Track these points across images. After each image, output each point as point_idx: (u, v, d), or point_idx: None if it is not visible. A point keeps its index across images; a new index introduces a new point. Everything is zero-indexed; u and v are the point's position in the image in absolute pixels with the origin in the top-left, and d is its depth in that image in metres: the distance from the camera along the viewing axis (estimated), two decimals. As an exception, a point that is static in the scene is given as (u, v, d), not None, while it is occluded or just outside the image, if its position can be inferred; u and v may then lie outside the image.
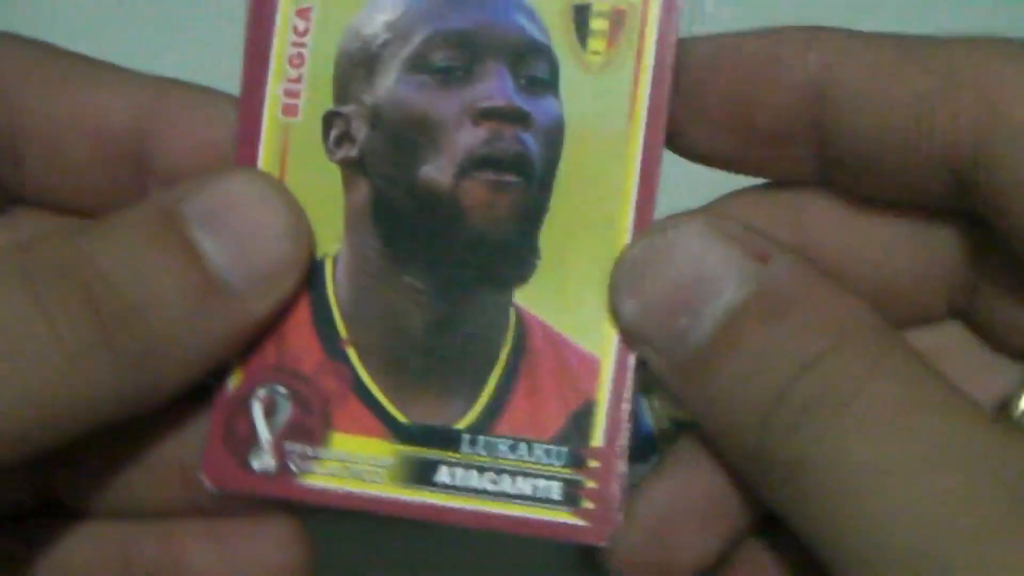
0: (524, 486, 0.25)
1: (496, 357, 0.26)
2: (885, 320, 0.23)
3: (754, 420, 0.23)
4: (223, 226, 0.24)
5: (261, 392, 0.26)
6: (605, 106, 0.25)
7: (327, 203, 0.26)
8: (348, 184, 0.26)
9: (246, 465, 0.26)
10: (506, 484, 0.25)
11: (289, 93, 0.26)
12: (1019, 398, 0.25)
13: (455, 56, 0.25)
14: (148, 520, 0.27)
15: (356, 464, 0.25)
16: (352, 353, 0.26)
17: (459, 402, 0.25)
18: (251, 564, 0.27)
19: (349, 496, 0.25)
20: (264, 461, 0.26)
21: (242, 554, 0.27)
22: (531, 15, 0.25)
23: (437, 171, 0.25)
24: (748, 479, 0.24)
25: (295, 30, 0.26)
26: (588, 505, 0.25)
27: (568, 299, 0.25)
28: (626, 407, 0.25)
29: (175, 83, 0.26)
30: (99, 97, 0.26)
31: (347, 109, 0.26)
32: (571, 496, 0.25)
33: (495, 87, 0.25)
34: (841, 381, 0.22)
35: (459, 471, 0.25)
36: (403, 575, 0.41)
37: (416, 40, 0.26)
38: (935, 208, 0.25)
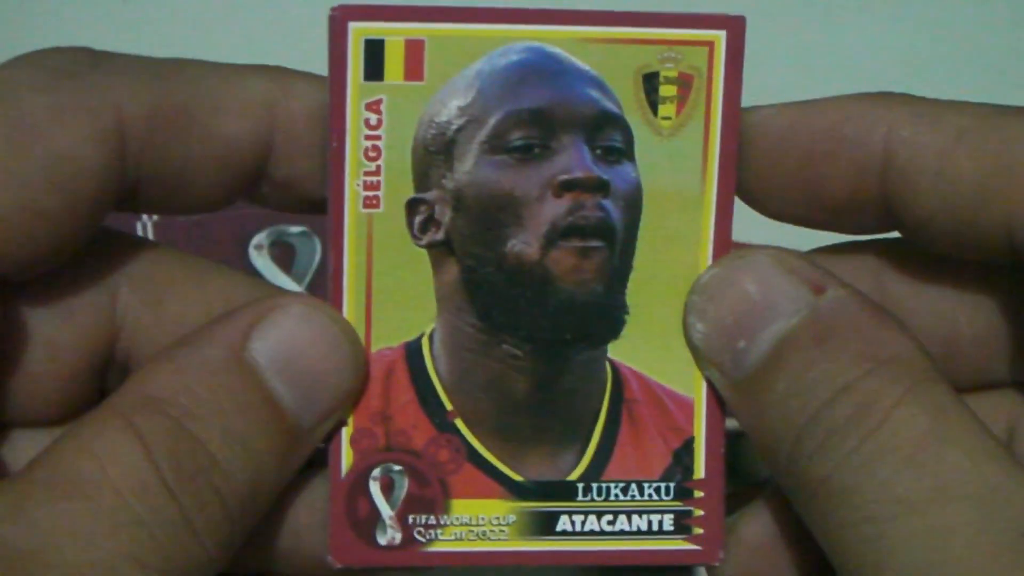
0: (639, 522, 0.27)
1: (598, 410, 0.27)
2: (928, 355, 0.24)
3: (789, 438, 0.24)
4: (294, 372, 0.25)
5: (376, 472, 0.27)
6: (679, 168, 0.27)
7: (417, 285, 0.27)
8: (437, 265, 0.27)
9: (372, 542, 0.27)
10: (623, 523, 0.27)
11: (368, 186, 0.26)
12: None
13: (532, 134, 0.26)
14: None
15: (480, 526, 0.27)
16: (461, 424, 0.27)
17: (569, 455, 0.27)
18: None
19: (476, 554, 0.27)
20: (389, 535, 0.27)
21: None
22: (601, 87, 0.26)
23: (524, 244, 0.26)
24: (786, 495, 0.26)
25: (367, 123, 0.26)
26: (698, 531, 0.27)
27: (658, 349, 0.27)
28: (722, 439, 0.27)
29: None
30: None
31: (429, 195, 0.26)
32: (683, 525, 0.27)
33: (574, 160, 0.26)
34: (871, 407, 0.23)
35: (579, 518, 0.27)
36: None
37: (492, 122, 0.26)
38: (1000, 267, 0.26)
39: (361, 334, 0.26)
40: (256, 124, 0.26)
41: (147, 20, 0.48)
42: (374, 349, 0.27)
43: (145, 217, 0.43)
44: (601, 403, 0.27)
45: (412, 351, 0.27)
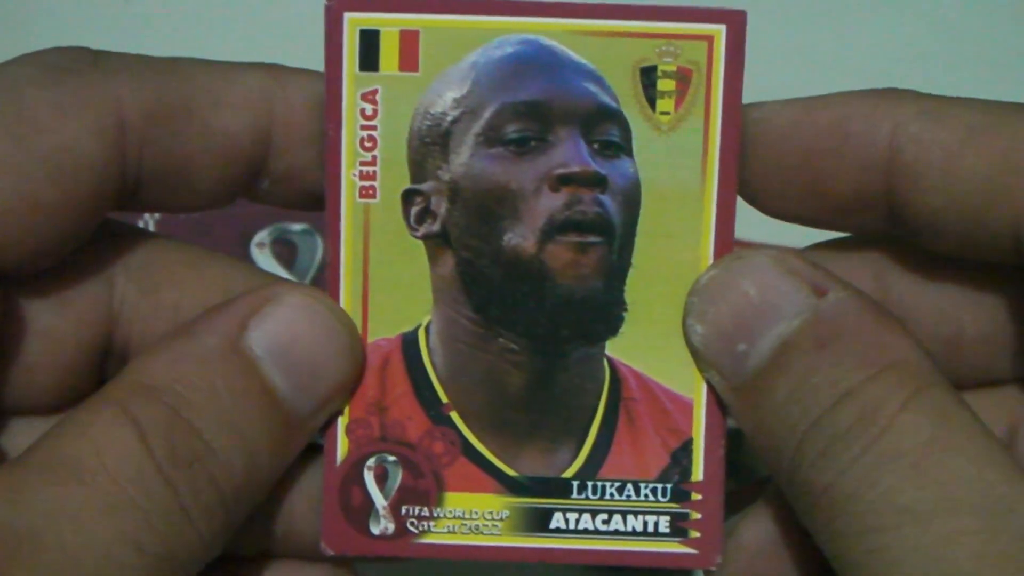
0: (635, 523, 0.27)
1: (595, 407, 0.27)
2: (931, 358, 0.24)
3: (791, 444, 0.24)
4: (291, 361, 0.25)
5: (371, 462, 0.27)
6: (678, 164, 0.26)
7: (413, 276, 0.27)
8: (433, 257, 0.27)
9: (365, 531, 0.27)
10: (617, 523, 0.27)
11: (364, 176, 0.26)
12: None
13: (528, 127, 0.26)
14: None
15: (472, 520, 0.27)
16: (456, 417, 0.27)
17: (564, 452, 0.27)
18: None
19: (468, 548, 0.27)
20: (382, 525, 0.27)
21: None
22: (598, 80, 0.26)
23: (521, 238, 0.26)
24: (788, 499, 0.25)
25: (363, 113, 0.26)
26: (695, 534, 0.27)
27: (657, 348, 0.27)
28: (721, 442, 0.27)
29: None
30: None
31: (425, 186, 0.26)
32: (679, 528, 0.27)
33: (570, 153, 0.26)
34: (874, 413, 0.23)
35: (572, 516, 0.27)
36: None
37: (487, 114, 0.26)
38: (1005, 267, 0.26)
39: (358, 324, 0.27)
40: (255, 117, 0.26)
41: (148, 20, 0.48)
42: (371, 339, 0.27)
43: (147, 216, 0.44)
44: (598, 401, 0.27)
45: (408, 342, 0.27)
